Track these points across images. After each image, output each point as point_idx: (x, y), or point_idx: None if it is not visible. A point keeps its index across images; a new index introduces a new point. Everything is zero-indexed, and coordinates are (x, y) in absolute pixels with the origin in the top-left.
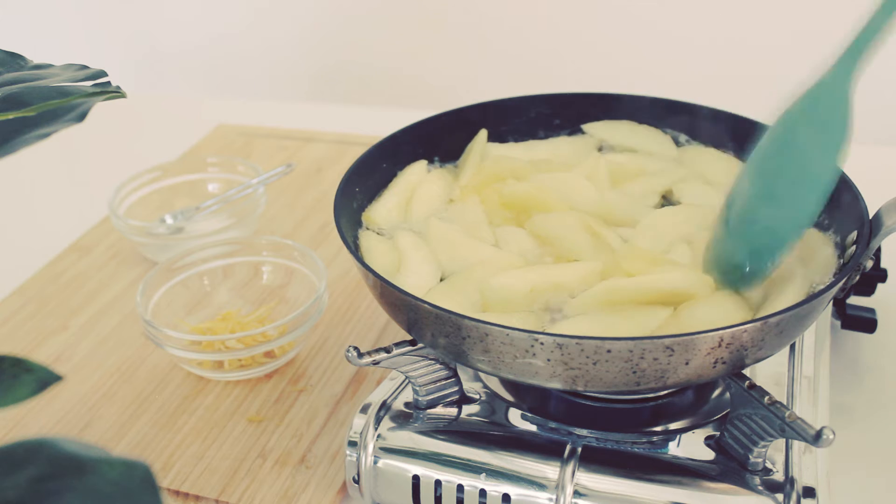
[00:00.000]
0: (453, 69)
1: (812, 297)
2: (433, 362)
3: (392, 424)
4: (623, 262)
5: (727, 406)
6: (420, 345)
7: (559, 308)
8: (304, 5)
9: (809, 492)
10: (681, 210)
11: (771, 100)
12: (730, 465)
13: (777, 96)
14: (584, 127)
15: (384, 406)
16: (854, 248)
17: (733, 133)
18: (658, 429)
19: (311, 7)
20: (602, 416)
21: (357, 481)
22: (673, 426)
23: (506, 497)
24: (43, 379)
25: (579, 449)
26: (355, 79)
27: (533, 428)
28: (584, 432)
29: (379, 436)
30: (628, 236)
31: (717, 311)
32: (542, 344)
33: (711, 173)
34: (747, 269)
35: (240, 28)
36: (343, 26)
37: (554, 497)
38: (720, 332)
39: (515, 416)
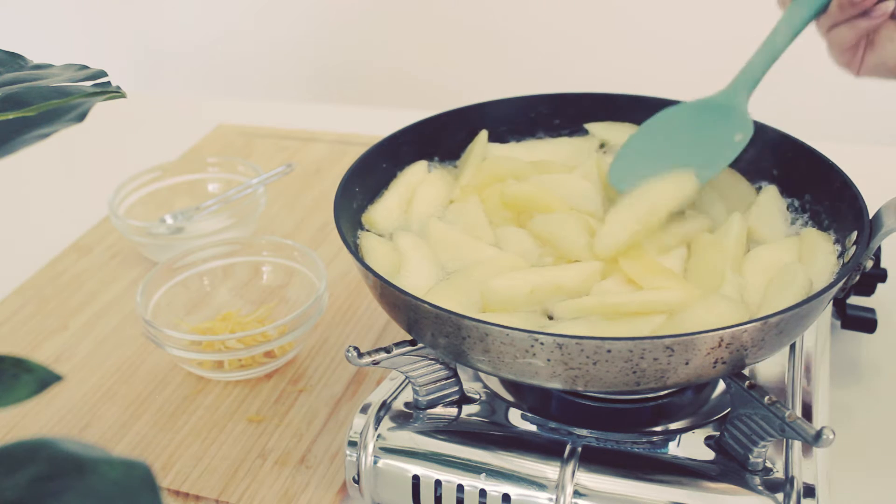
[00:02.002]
0: (453, 70)
1: (812, 297)
2: (433, 362)
3: (392, 424)
4: (622, 264)
5: (727, 406)
6: (420, 345)
7: (557, 316)
8: (305, 6)
9: (809, 492)
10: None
11: (772, 102)
12: (730, 465)
13: (778, 99)
14: (587, 126)
15: (384, 406)
16: (854, 248)
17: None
18: (658, 429)
19: (311, 8)
20: (602, 416)
21: (357, 481)
22: (673, 426)
23: (506, 497)
24: (43, 379)
25: (579, 449)
26: (355, 79)
27: (533, 428)
28: (584, 432)
29: (379, 436)
30: None
31: (714, 313)
32: (542, 344)
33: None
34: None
35: (240, 28)
36: (343, 27)
37: (554, 497)
38: (720, 332)
39: (515, 416)
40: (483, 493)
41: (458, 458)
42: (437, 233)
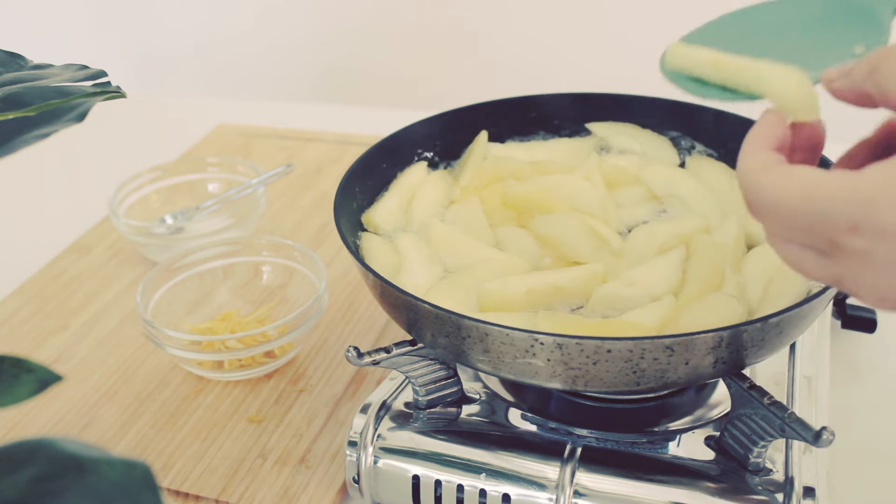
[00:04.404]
0: (453, 70)
1: (812, 297)
2: (433, 362)
3: (392, 424)
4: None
5: (727, 406)
6: (420, 345)
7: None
8: (305, 8)
9: (809, 492)
10: (678, 217)
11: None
12: (730, 465)
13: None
14: (588, 126)
15: (384, 406)
16: None
17: (735, 134)
18: (658, 429)
19: (311, 9)
20: (602, 416)
21: (357, 481)
22: (673, 426)
23: (506, 497)
24: (43, 379)
25: (579, 449)
26: (356, 81)
27: (533, 428)
28: (584, 432)
29: (379, 436)
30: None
31: (714, 313)
32: (542, 344)
33: (709, 180)
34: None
35: (241, 30)
36: (344, 29)
37: (554, 497)
38: (720, 332)
39: (515, 416)
40: (483, 493)
41: (458, 458)
42: (437, 233)
